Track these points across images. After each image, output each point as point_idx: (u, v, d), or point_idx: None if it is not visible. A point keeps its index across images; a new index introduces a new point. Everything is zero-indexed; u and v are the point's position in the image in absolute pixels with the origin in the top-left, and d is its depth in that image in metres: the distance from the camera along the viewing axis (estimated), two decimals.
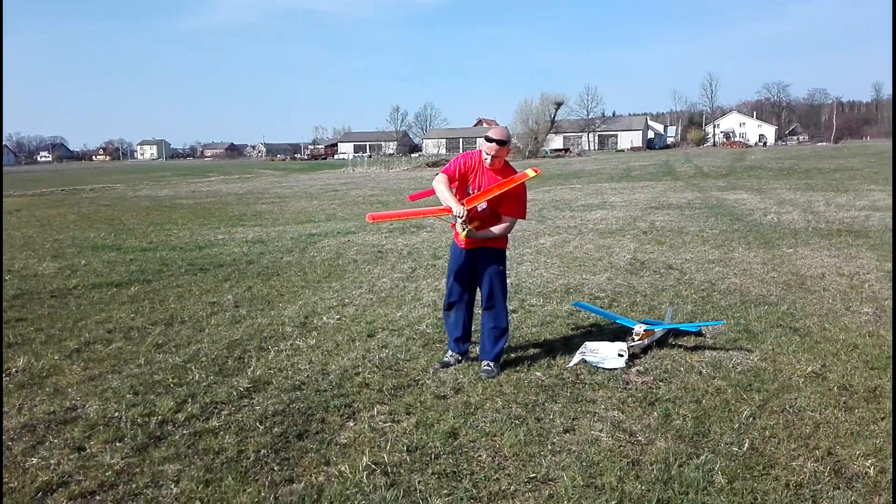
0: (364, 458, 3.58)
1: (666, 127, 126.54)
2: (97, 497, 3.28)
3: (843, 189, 20.46)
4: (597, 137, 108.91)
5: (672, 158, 51.35)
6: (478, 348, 5.30)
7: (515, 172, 5.00)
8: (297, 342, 5.89)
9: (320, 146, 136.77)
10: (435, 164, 58.41)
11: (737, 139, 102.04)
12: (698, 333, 5.75)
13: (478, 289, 5.19)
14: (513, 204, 4.94)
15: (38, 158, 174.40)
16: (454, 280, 5.18)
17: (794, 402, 4.27)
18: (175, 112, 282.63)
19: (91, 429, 4.04)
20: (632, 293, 7.50)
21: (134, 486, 3.37)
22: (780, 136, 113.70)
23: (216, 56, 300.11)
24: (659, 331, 5.57)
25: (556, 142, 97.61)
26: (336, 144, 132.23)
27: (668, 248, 10.36)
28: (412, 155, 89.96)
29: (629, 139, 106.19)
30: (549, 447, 3.75)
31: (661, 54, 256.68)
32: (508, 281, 8.06)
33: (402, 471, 3.51)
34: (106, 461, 3.61)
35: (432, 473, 3.47)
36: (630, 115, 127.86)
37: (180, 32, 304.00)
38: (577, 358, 5.13)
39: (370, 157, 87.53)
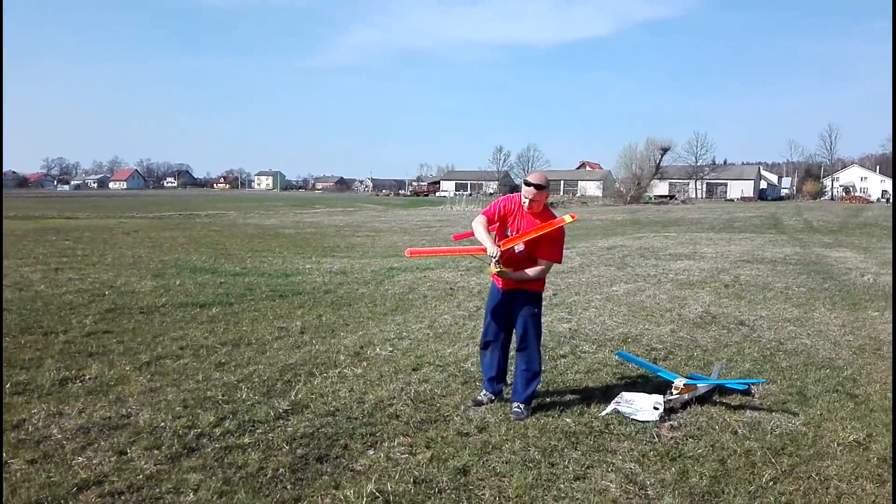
0: (370, 486, 3.74)
1: (780, 178, 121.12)
2: (123, 497, 3.61)
3: None
4: (705, 185, 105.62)
5: (781, 211, 49.07)
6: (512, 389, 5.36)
7: (554, 217, 5.10)
8: (345, 370, 6.15)
9: (423, 183, 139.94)
10: None
11: (857, 194, 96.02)
12: (746, 392, 5.56)
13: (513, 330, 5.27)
14: (549, 248, 5.03)
15: (165, 184, 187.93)
16: (490, 319, 5.32)
17: (825, 470, 4.08)
18: (291, 145, 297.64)
19: (136, 435, 4.42)
20: (692, 347, 7.31)
21: (158, 490, 3.68)
22: None
23: (332, 93, 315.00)
24: (702, 386, 5.44)
25: (661, 188, 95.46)
26: (438, 182, 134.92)
27: (746, 304, 9.99)
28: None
29: (739, 189, 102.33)
30: (554, 492, 3.78)
31: (780, 104, 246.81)
32: (562, 326, 8.11)
33: (403, 501, 3.64)
34: (140, 466, 3.96)
35: None
36: (742, 163, 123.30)
37: (300, 70, 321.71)
38: (610, 407, 5.10)
39: (470, 195, 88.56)
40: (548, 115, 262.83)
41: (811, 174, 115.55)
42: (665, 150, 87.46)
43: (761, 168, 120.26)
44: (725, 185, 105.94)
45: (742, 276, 13.05)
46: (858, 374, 6.22)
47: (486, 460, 4.19)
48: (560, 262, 5.19)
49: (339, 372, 6.10)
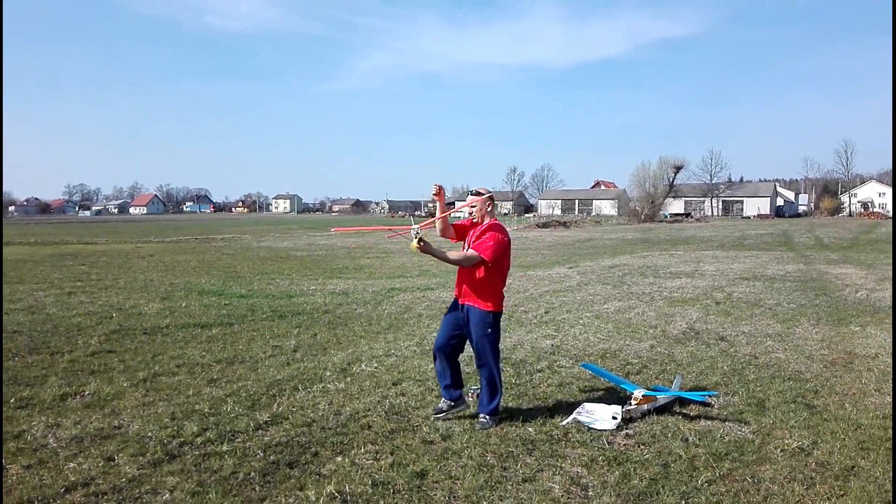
0: (330, 487, 4.08)
1: (797, 194, 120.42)
2: (106, 496, 3.97)
3: None
4: (721, 203, 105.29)
5: (794, 228, 48.94)
6: (473, 394, 5.69)
7: (496, 232, 5.36)
8: (328, 385, 6.50)
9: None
10: (545, 226, 58.76)
11: (875, 209, 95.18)
12: (705, 404, 5.83)
13: (467, 342, 5.53)
14: (483, 243, 5.28)
15: (184, 208, 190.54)
16: (441, 327, 5.61)
17: (761, 474, 4.35)
18: (308, 168, 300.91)
19: (124, 444, 4.80)
20: (666, 361, 7.58)
21: (137, 491, 4.04)
22: None
23: (349, 117, 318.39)
24: (662, 397, 5.72)
25: (676, 206, 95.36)
26: (453, 203, 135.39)
27: (732, 320, 10.22)
28: (526, 215, 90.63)
29: (756, 206, 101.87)
30: (501, 492, 4.08)
31: (793, 120, 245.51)
32: (546, 342, 8.40)
33: (360, 500, 3.97)
34: (125, 470, 4.33)
35: None
36: (759, 180, 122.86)
37: (317, 95, 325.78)
38: (571, 417, 5.39)
39: None
40: (562, 135, 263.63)
41: (828, 190, 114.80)
42: (678, 168, 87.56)
43: (778, 185, 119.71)
44: (742, 202, 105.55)
45: (735, 294, 13.26)
46: (822, 386, 6.45)
47: (444, 465, 4.51)
48: (488, 259, 5.21)
49: (323, 387, 6.45)
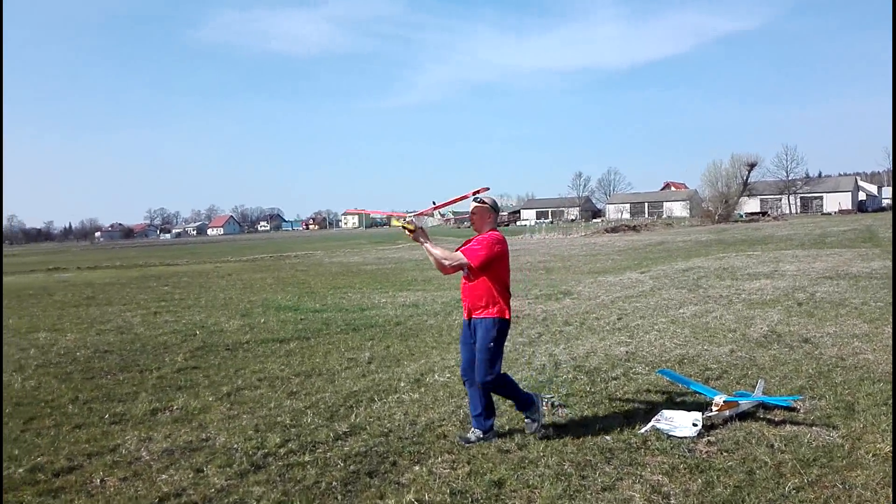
0: (409, 496, 4.14)
1: (881, 187, 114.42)
2: None
3: None
4: (799, 200, 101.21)
5: (878, 223, 46.49)
6: (548, 403, 5.65)
7: (489, 240, 5.14)
8: (403, 396, 6.60)
9: (504, 213, 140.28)
10: (614, 230, 57.80)
11: None
12: (790, 408, 5.62)
13: None
14: (472, 248, 5.12)
15: (258, 228, 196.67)
16: (461, 355, 5.39)
17: (852, 480, 4.17)
18: (375, 183, 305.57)
19: (212, 455, 5.00)
20: (747, 366, 7.35)
21: (226, 501, 4.21)
22: None
23: (411, 131, 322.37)
24: (744, 403, 5.55)
25: (752, 205, 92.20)
26: (518, 211, 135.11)
27: (816, 321, 9.81)
28: (593, 220, 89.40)
29: (836, 201, 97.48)
30: (580, 501, 4.06)
31: (869, 108, 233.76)
32: (620, 350, 8.28)
33: None
34: (213, 481, 4.51)
35: None
36: (839, 174, 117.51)
37: (380, 111, 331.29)
38: (649, 424, 5.30)
39: (551, 222, 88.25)
40: (627, 138, 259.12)
41: None
42: (752, 166, 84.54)
43: (859, 179, 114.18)
44: (821, 198, 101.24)
45: (818, 294, 12.72)
46: None
47: (521, 474, 4.50)
48: (475, 264, 5.04)
49: (398, 397, 6.55)
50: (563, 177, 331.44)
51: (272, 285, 20.70)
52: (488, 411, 5.27)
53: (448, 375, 7.37)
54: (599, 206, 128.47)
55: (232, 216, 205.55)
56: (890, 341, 8.18)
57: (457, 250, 5.23)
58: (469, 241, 5.29)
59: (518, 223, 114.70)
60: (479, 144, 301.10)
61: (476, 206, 5.27)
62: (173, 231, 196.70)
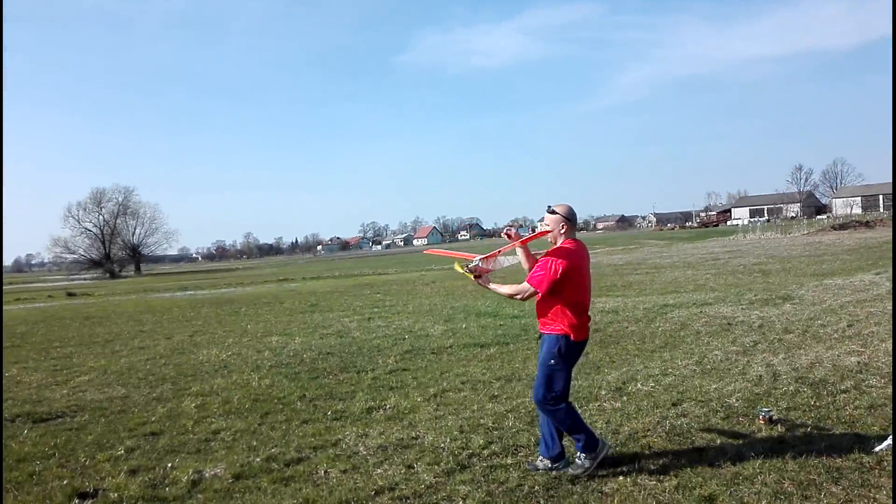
0: None
1: None
2: (409, 500, 4.43)
3: None
4: None
5: None
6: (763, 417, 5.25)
7: (553, 257, 4.71)
8: (604, 404, 6.50)
9: (712, 213, 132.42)
10: (842, 227, 52.02)
11: None
12: None
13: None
14: (535, 272, 4.76)
15: (459, 237, 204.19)
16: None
17: None
18: (571, 188, 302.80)
19: (422, 453, 5.30)
20: None
21: (435, 497, 4.44)
22: None
23: (609, 133, 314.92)
24: None
25: None
26: (729, 210, 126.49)
27: None
28: (817, 217, 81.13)
29: None
30: None
31: None
32: (850, 360, 7.47)
33: None
34: (423, 477, 4.78)
35: None
36: None
37: (574, 115, 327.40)
38: (886, 442, 4.74)
39: (767, 221, 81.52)
40: (855, 124, 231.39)
41: None
42: None
43: None
44: None
45: None
46: None
47: (735, 490, 4.24)
48: (541, 290, 4.67)
49: (599, 405, 6.47)
50: (779, 171, 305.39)
51: (472, 292, 21.29)
52: (559, 435, 4.88)
53: (652, 384, 7.13)
54: (824, 200, 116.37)
55: (435, 227, 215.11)
56: None
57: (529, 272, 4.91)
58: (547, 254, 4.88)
59: (728, 223, 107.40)
60: (683, 142, 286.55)
61: (547, 217, 4.85)
62: (383, 243, 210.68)
